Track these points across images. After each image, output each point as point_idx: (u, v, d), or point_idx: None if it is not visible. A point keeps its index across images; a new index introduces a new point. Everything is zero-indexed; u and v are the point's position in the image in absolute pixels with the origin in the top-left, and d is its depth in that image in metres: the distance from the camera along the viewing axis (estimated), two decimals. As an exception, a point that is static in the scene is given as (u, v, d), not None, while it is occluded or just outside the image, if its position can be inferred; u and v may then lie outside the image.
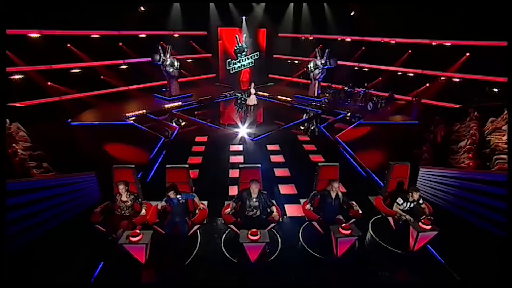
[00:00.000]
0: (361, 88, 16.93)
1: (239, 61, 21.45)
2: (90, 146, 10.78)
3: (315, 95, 18.04)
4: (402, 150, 10.39)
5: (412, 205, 5.92)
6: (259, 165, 6.06)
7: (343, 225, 5.32)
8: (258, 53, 21.33)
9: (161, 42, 17.48)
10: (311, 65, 17.82)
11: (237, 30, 20.32)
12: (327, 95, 17.80)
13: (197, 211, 5.91)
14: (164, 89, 18.28)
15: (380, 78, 17.38)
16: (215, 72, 21.54)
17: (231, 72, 21.69)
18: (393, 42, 16.83)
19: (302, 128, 13.65)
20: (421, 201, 5.88)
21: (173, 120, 14.31)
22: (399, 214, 5.93)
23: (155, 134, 12.05)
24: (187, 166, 5.98)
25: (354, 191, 7.28)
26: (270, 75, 21.69)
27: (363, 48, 17.87)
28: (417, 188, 5.87)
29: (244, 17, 20.49)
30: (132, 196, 5.84)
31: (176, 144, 11.41)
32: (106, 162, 8.93)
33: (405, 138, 11.97)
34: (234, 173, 8.63)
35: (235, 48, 21.07)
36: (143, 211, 5.76)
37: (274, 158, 10.26)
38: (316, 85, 18.16)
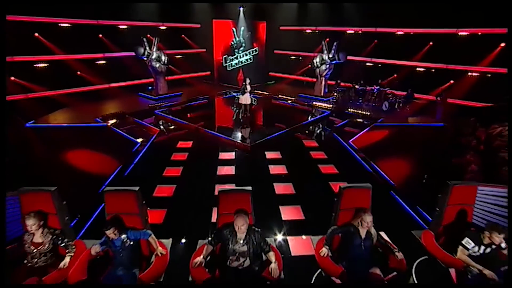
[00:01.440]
0: (374, 86, 14.88)
1: (236, 57, 19.45)
2: (46, 153, 8.74)
3: (322, 94, 16.12)
4: (435, 160, 8.37)
5: (488, 249, 3.80)
6: (249, 189, 3.97)
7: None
8: (257, 48, 19.30)
9: (148, 35, 15.48)
10: (317, 60, 15.87)
11: (233, 23, 18.47)
12: (335, 94, 15.81)
13: (153, 258, 3.82)
14: (150, 87, 16.29)
15: (395, 75, 15.43)
16: (210, 70, 19.57)
17: (228, 69, 19.63)
18: (411, 32, 14.77)
19: (307, 132, 11.63)
20: (503, 245, 3.76)
21: (156, 123, 12.29)
22: (469, 264, 3.80)
23: (132, 138, 10.02)
24: (136, 189, 3.87)
25: (383, 219, 5.14)
26: (270, 73, 19.99)
27: (376, 41, 15.84)
28: (501, 227, 3.74)
29: (241, 8, 18.57)
30: (51, 236, 3.75)
31: (154, 151, 9.36)
32: (59, 174, 6.96)
33: (435, 144, 9.89)
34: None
35: (232, 43, 19.10)
36: (66, 260, 3.66)
37: (274, 169, 8.19)
38: (323, 82, 16.19)
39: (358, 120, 12.93)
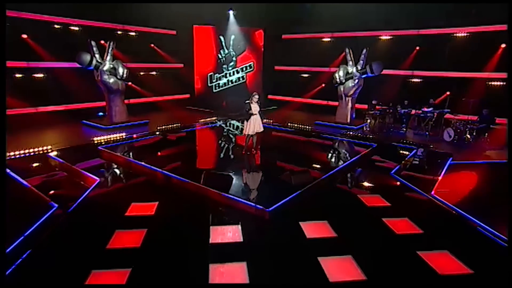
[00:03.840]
0: (424, 108, 11.66)
1: (225, 75, 16.10)
2: None
3: (349, 120, 12.70)
4: None
5: None
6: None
7: None
8: (252, 63, 16.27)
9: (102, 41, 11.69)
10: (340, 74, 12.54)
11: (221, 30, 15.66)
12: (368, 120, 12.24)
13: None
14: (101, 113, 12.13)
15: (448, 92, 12.09)
16: (190, 91, 16.29)
17: (214, 91, 16.24)
18: (465, 33, 11.87)
19: (351, 178, 7.68)
20: None
21: (100, 167, 7.92)
22: None
23: (44, 197, 5.67)
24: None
25: None
26: (269, 96, 16.93)
27: (417, 47, 13.00)
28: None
29: (231, 11, 15.44)
30: None
31: (82, 222, 5.04)
32: None
33: None
34: None
35: (219, 56, 15.94)
36: None
37: (332, 266, 3.99)
38: (349, 105, 12.68)
39: (417, 158, 9.11)
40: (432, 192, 6.55)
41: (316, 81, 15.49)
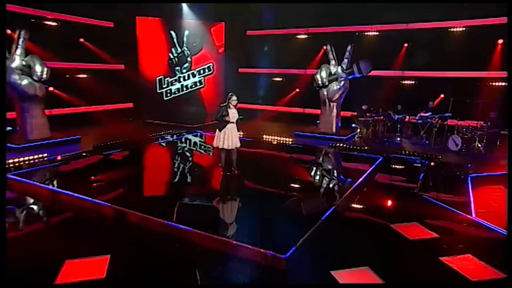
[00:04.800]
0: (421, 113, 11.39)
1: (178, 80, 14.81)
2: None
3: (334, 130, 11.99)
4: None
5: None
6: None
7: None
8: (211, 64, 15.20)
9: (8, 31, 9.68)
10: (322, 74, 11.80)
11: (172, 23, 14.35)
12: (358, 129, 11.57)
13: None
14: (9, 128, 9.93)
15: (442, 95, 11.98)
16: (133, 99, 14.84)
17: (165, 98, 14.81)
18: (462, 28, 11.80)
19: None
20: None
21: (14, 204, 5.86)
22: None
23: None
24: None
25: None
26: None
27: (405, 44, 12.69)
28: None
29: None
30: None
31: None
32: None
33: None
34: None
35: (171, 56, 14.57)
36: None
37: None
38: (335, 111, 11.94)
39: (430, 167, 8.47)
40: (473, 215, 5.75)
41: (290, 86, 14.82)
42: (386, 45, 12.78)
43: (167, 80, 14.71)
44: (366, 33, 13.31)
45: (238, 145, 7.12)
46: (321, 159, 9.52)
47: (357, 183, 6.92)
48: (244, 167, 7.50)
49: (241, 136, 10.44)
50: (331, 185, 7.41)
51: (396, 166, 8.81)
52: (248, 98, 15.23)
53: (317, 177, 8.03)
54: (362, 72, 11.07)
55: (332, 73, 11.73)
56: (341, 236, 4.99)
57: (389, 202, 6.47)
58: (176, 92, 14.88)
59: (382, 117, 11.60)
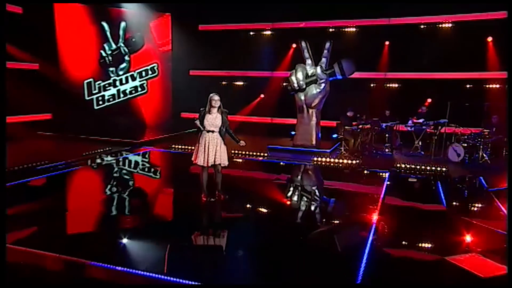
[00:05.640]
0: (413, 119, 11.17)
1: (113, 83, 13.58)
2: None
3: (314, 142, 11.26)
4: None
5: None
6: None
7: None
8: (155, 65, 14.28)
9: None
10: (299, 76, 11.08)
11: (103, 12, 13.22)
12: (344, 140, 11.04)
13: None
14: None
15: (429, 100, 11.96)
16: (53, 108, 12.90)
17: (96, 107, 13.48)
18: (449, 24, 11.95)
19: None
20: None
21: None
22: None
23: None
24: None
25: None
26: (184, 114, 14.90)
27: (387, 42, 12.71)
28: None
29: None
30: None
31: None
32: None
33: None
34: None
35: (103, 54, 13.30)
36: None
37: None
38: (314, 119, 11.33)
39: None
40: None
41: (254, 91, 14.33)
42: (365, 43, 12.55)
43: (99, 84, 13.37)
44: (343, 29, 13.08)
45: (223, 162, 6.04)
46: (316, 179, 9.01)
47: (378, 207, 6.17)
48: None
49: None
50: (348, 213, 6.47)
51: (404, 183, 8.35)
52: (202, 106, 14.43)
53: (328, 203, 7.31)
54: (345, 73, 10.57)
55: (310, 74, 10.97)
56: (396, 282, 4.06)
57: (425, 229, 5.74)
58: (111, 99, 13.53)
59: (369, 125, 11.09)
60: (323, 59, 10.78)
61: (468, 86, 11.73)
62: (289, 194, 7.69)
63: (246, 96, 14.23)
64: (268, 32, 13.98)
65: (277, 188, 7.89)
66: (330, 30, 13.18)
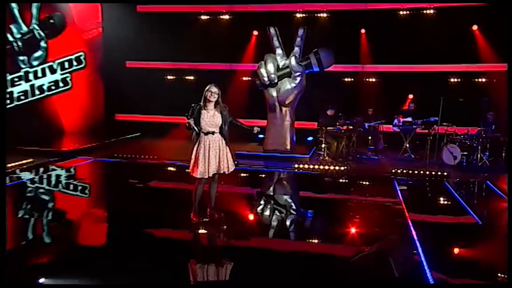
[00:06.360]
0: (398, 118, 10.99)
1: (25, 77, 12.19)
2: None
3: (289, 146, 10.75)
4: None
5: None
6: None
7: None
8: (81, 54, 13.40)
9: None
10: (269, 68, 10.40)
11: None
12: (324, 142, 10.49)
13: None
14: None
15: (411, 96, 12.02)
16: None
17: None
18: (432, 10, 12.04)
19: None
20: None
21: None
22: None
23: None
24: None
25: None
26: (119, 116, 14.49)
27: (363, 30, 12.78)
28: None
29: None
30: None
31: None
32: None
33: None
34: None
35: (10, 39, 11.84)
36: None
37: None
38: (288, 119, 10.77)
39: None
40: None
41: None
42: (338, 32, 12.42)
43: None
44: (314, 15, 12.84)
45: (230, 169, 5.54)
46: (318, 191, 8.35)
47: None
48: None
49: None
50: (380, 230, 5.96)
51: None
52: (143, 105, 14.01)
53: (352, 220, 6.51)
54: (323, 65, 10.17)
55: (282, 66, 10.37)
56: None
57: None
58: (22, 97, 12.04)
59: (351, 125, 10.85)
60: (296, 49, 10.23)
61: (456, 80, 11.91)
62: (295, 211, 6.94)
63: (199, 94, 13.06)
64: (226, 16, 13.34)
65: (278, 204, 7.29)
66: (298, 15, 12.85)
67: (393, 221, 6.21)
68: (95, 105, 13.52)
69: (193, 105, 5.44)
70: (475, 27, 11.63)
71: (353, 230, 5.85)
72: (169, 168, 10.01)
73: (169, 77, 14.16)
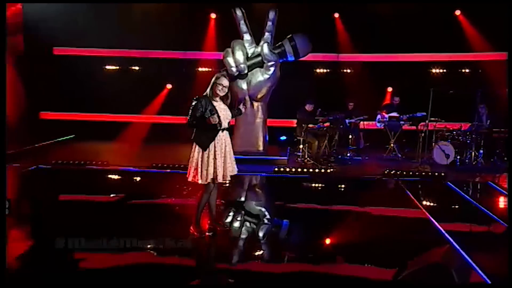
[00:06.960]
0: (381, 113, 10.75)
1: None
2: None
3: (261, 147, 10.27)
4: None
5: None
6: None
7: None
8: None
9: None
10: (238, 57, 9.75)
11: None
12: (302, 141, 10.23)
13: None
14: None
15: (390, 89, 12.17)
16: None
17: None
18: None
19: None
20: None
21: None
22: None
23: None
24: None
25: None
26: (44, 113, 13.50)
27: (336, 15, 12.45)
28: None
29: None
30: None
31: None
32: None
33: None
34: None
35: None
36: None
37: None
38: (261, 116, 10.21)
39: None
40: None
41: (157, 80, 12.96)
42: (308, 16, 11.92)
43: None
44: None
45: (235, 170, 5.49)
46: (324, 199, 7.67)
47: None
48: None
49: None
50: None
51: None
52: (77, 101, 12.95)
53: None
54: (299, 53, 9.67)
55: (252, 55, 9.74)
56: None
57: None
58: None
59: (332, 122, 10.31)
60: (267, 34, 9.62)
61: (441, 70, 11.85)
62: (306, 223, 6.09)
63: (146, 87, 12.42)
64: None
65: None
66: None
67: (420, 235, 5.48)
68: (13, 100, 11.56)
69: (196, 98, 4.98)
70: (458, 12, 11.41)
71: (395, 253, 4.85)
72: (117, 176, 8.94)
73: (108, 67, 13.00)
